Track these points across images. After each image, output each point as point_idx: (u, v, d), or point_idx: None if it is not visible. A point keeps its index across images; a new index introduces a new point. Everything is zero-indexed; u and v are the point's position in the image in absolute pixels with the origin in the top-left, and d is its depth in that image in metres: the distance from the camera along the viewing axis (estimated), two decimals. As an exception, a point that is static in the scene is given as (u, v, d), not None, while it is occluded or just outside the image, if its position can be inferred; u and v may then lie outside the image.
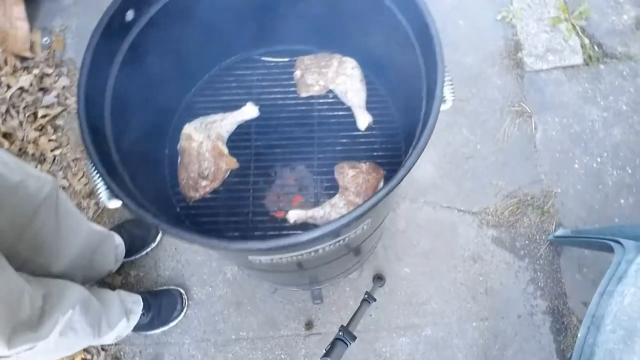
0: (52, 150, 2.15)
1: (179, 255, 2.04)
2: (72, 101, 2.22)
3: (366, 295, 1.73)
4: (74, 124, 2.21)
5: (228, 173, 1.39)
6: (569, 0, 2.30)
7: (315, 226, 1.34)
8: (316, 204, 1.40)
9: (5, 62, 2.21)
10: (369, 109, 1.42)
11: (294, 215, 1.33)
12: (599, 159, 2.08)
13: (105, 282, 1.99)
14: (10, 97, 2.15)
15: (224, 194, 1.40)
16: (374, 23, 1.27)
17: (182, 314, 1.97)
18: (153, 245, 2.05)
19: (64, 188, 2.12)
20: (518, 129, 2.14)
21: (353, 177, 1.33)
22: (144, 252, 2.05)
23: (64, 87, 2.24)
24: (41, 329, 1.27)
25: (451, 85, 1.10)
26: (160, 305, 1.92)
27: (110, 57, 1.13)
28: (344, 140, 1.42)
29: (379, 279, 1.95)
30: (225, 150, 1.39)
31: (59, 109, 2.21)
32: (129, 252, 1.98)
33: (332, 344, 1.49)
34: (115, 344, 1.94)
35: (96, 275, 1.82)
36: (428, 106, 1.01)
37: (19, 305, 1.20)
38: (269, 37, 1.49)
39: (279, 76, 1.48)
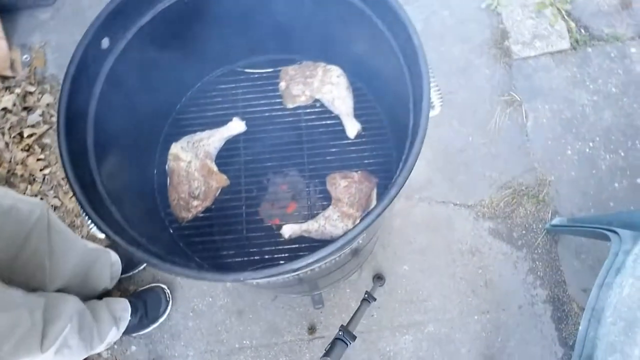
0: (41, 170, 2.13)
1: (176, 268, 2.03)
2: (57, 118, 2.19)
3: (366, 295, 1.73)
4: (61, 142, 2.18)
5: (219, 191, 1.38)
6: (553, -16, 2.27)
7: (310, 239, 1.34)
8: (310, 216, 1.39)
9: (-14, 83, 2.18)
10: (357, 116, 1.40)
11: (289, 230, 1.32)
12: (591, 144, 2.08)
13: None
14: (-6, 119, 2.12)
15: (217, 212, 1.39)
16: (356, 31, 1.24)
17: (169, 308, 1.98)
18: (150, 259, 2.04)
19: (55, 207, 2.10)
20: (509, 118, 2.12)
21: (345, 187, 1.32)
22: (141, 267, 2.04)
23: (48, 105, 2.20)
24: (44, 342, 1.29)
25: (437, 90, 1.09)
26: (146, 304, 1.94)
27: (89, 86, 1.11)
28: (334, 150, 1.40)
29: (378, 278, 1.95)
30: (215, 168, 1.37)
31: (45, 127, 2.18)
32: (126, 267, 1.98)
33: (332, 344, 1.49)
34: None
35: (91, 293, 1.81)
36: (415, 121, 1.00)
37: (19, 317, 1.21)
38: (250, 49, 1.47)
39: (263, 88, 1.46)
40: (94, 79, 1.12)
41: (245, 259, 1.34)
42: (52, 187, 2.12)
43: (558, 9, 2.22)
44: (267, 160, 1.42)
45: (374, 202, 1.34)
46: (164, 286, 1.98)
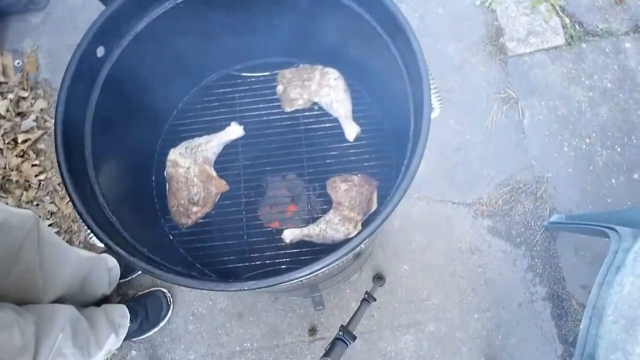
0: (36, 176, 2.11)
1: (175, 272, 2.02)
2: (51, 123, 2.17)
3: (366, 295, 1.73)
4: (56, 147, 2.16)
5: (219, 196, 1.37)
6: (547, -20, 2.27)
7: (311, 243, 1.33)
8: (310, 219, 1.39)
9: (-21, 89, 2.16)
10: (356, 118, 1.39)
11: (290, 235, 1.31)
12: (587, 140, 2.08)
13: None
14: (-12, 126, 2.10)
15: (217, 217, 1.38)
16: (353, 35, 1.24)
17: (169, 312, 1.97)
18: (149, 263, 2.02)
19: (52, 213, 2.08)
20: (505, 115, 2.12)
21: (346, 190, 1.31)
22: (140, 271, 2.02)
23: (41, 110, 2.18)
24: (38, 357, 1.27)
25: (436, 91, 1.08)
26: (146, 309, 1.92)
27: (85, 95, 1.10)
28: (334, 153, 1.39)
29: (378, 278, 1.95)
30: (214, 174, 1.36)
31: (39, 132, 2.16)
32: (125, 272, 1.97)
33: (332, 344, 1.49)
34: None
35: (89, 300, 1.80)
36: (416, 125, 0.99)
37: (10, 338, 1.19)
38: (246, 52, 1.46)
39: (261, 91, 1.45)
40: (90, 88, 1.11)
41: (247, 264, 1.34)
42: (47, 192, 2.10)
43: (552, 4, 2.22)
44: (266, 165, 1.41)
45: (374, 205, 1.33)
46: (164, 290, 1.97)
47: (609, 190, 2.02)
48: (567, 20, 2.20)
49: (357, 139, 1.39)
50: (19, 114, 2.17)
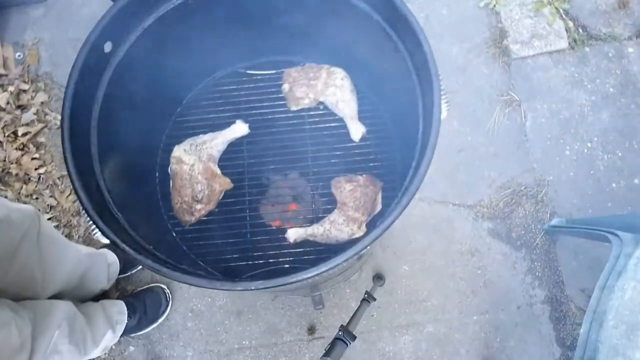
0: (36, 169, 2.09)
1: (175, 268, 2.01)
2: (52, 117, 2.16)
3: (366, 295, 1.73)
4: (56, 140, 2.15)
5: (222, 194, 1.37)
6: (552, -17, 2.27)
7: (315, 243, 1.33)
8: (314, 219, 1.39)
9: (-21, 81, 2.14)
10: (361, 119, 1.39)
11: (294, 234, 1.31)
12: (589, 144, 2.08)
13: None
14: (-12, 118, 2.08)
15: (220, 215, 1.38)
16: (361, 35, 1.24)
17: (168, 309, 1.97)
18: (148, 259, 2.02)
19: (51, 207, 2.07)
20: (508, 118, 2.12)
21: (351, 191, 1.31)
22: (140, 267, 2.02)
23: (42, 103, 2.17)
24: (35, 355, 1.26)
25: (444, 94, 1.08)
26: (145, 305, 1.91)
27: (92, 91, 1.10)
28: (339, 153, 1.39)
29: (378, 278, 1.94)
30: (218, 171, 1.36)
31: (40, 125, 2.14)
32: (125, 268, 1.96)
33: (332, 344, 1.49)
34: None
35: (87, 295, 1.79)
36: (425, 127, 0.99)
37: (7, 336, 1.18)
38: (253, 50, 1.45)
39: (266, 90, 1.45)
40: (97, 83, 1.10)
41: (250, 262, 1.34)
42: (47, 186, 2.09)
43: (556, 8, 2.22)
44: (271, 163, 1.41)
45: (379, 206, 1.33)
46: (163, 286, 1.96)
47: (610, 195, 2.02)
48: (570, 23, 2.21)
49: (362, 139, 1.39)
50: (19, 106, 2.15)
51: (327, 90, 1.38)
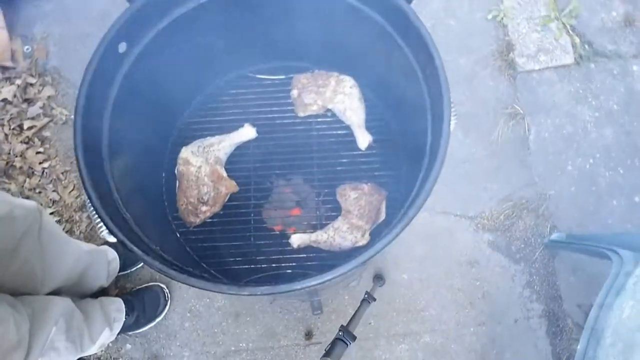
0: (40, 163, 2.10)
1: (175, 268, 2.02)
2: (58, 111, 2.16)
3: (366, 295, 1.73)
4: (61, 135, 2.15)
5: (228, 197, 1.37)
6: (560, -1, 2.29)
7: (318, 249, 1.34)
8: (318, 226, 1.39)
9: (-14, 73, 2.15)
10: (368, 127, 1.40)
11: (298, 240, 1.32)
12: (591, 160, 2.10)
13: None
14: (-6, 110, 2.09)
15: (225, 217, 1.38)
16: (373, 44, 1.25)
17: (167, 308, 1.97)
18: (149, 257, 2.02)
19: (54, 202, 2.07)
20: (511, 131, 2.14)
21: (355, 199, 1.32)
22: (139, 265, 2.02)
23: (49, 97, 2.17)
24: (29, 354, 1.26)
25: (453, 107, 1.09)
26: (144, 303, 1.92)
27: (105, 90, 1.10)
28: (344, 160, 1.40)
29: (378, 278, 1.95)
30: (225, 174, 1.37)
31: (45, 120, 2.15)
32: (125, 265, 1.96)
33: (332, 344, 1.49)
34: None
35: (86, 292, 1.79)
36: (434, 140, 1.00)
37: (5, 332, 1.18)
38: (263, 54, 1.46)
39: (275, 94, 1.45)
40: (110, 83, 1.11)
41: (252, 266, 1.34)
42: (50, 180, 2.09)
43: (563, 23, 2.24)
44: (277, 168, 1.42)
45: (383, 215, 1.34)
46: (163, 285, 1.96)
47: (610, 212, 2.04)
48: (577, 39, 2.22)
49: (368, 147, 1.40)
50: (25, 100, 2.15)
51: (335, 97, 1.39)
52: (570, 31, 2.25)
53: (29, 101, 2.16)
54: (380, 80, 1.37)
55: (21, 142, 2.10)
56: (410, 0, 1.07)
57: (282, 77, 1.47)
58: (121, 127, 1.14)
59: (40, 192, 2.08)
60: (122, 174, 1.13)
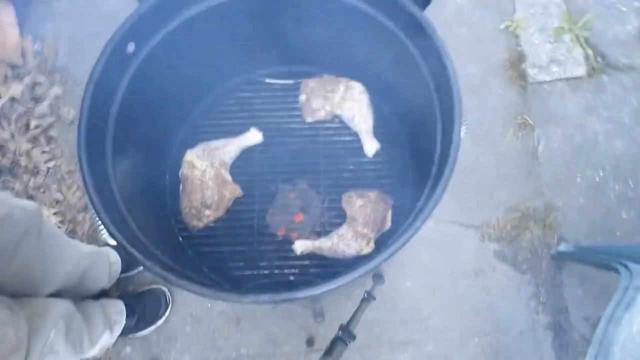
0: (45, 163, 2.09)
1: (177, 270, 2.00)
2: (64, 111, 2.16)
3: (366, 294, 1.71)
4: (67, 135, 2.15)
5: (232, 201, 1.36)
6: (573, 10, 2.26)
7: (321, 256, 1.32)
8: (323, 232, 1.38)
9: (-4, 70, 2.14)
10: (376, 134, 1.39)
11: (301, 246, 1.30)
12: (601, 172, 2.07)
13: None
14: (2, 108, 2.08)
15: (228, 222, 1.37)
16: (384, 52, 1.23)
17: (167, 311, 1.95)
18: (151, 260, 2.00)
19: (58, 201, 2.06)
20: (521, 141, 2.11)
21: (361, 207, 1.30)
22: (141, 267, 2.01)
23: (56, 97, 2.17)
24: (30, 354, 1.24)
25: (464, 119, 1.07)
26: (145, 306, 1.89)
27: (112, 90, 1.09)
28: (351, 167, 1.39)
29: (378, 277, 1.92)
30: (229, 178, 1.36)
31: (52, 119, 2.14)
32: (127, 267, 1.94)
33: (332, 344, 1.48)
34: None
35: (87, 293, 1.77)
36: (444, 149, 0.98)
37: (4, 335, 1.16)
38: (272, 58, 1.45)
39: (283, 99, 1.44)
40: (117, 83, 1.10)
41: (254, 272, 1.33)
42: (55, 180, 2.08)
43: (576, 35, 2.22)
44: (282, 173, 1.41)
45: (388, 224, 1.32)
46: (164, 289, 1.95)
47: (619, 224, 2.01)
48: (590, 51, 2.20)
49: (375, 155, 1.38)
50: (33, 98, 2.15)
51: (344, 103, 1.38)
52: (583, 43, 2.23)
53: (37, 100, 2.16)
54: (390, 87, 1.36)
55: (27, 141, 2.10)
56: (423, 7, 1.05)
57: (291, 81, 1.46)
58: (126, 128, 1.13)
59: (44, 192, 2.07)
60: (125, 175, 1.12)
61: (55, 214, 2.03)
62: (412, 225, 0.90)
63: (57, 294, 1.50)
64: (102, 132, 1.08)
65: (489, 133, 2.12)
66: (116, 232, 0.91)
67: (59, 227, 2.02)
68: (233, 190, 1.34)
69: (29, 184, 2.05)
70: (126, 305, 1.83)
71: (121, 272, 1.92)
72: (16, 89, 2.12)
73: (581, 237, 2.01)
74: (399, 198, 1.34)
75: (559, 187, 2.06)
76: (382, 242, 1.27)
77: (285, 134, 1.41)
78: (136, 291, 1.96)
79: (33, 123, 2.11)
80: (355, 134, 1.39)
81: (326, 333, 1.93)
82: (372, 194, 1.32)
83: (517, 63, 2.19)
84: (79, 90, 2.19)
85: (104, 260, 1.80)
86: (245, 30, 1.30)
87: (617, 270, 1.52)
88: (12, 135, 2.08)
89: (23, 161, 2.06)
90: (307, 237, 1.35)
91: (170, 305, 1.96)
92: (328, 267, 1.31)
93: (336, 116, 1.40)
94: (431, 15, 1.03)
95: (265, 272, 1.32)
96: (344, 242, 1.28)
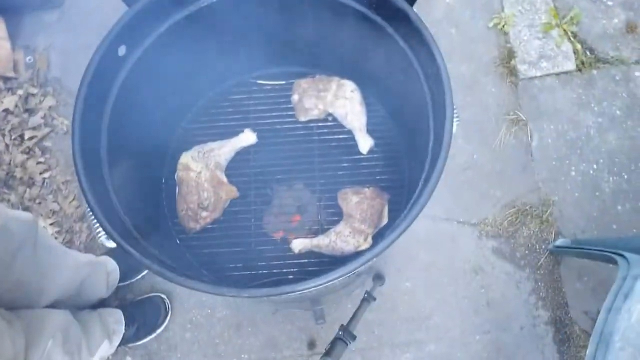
0: (41, 173, 2.09)
1: (176, 277, 1.99)
2: (59, 121, 2.16)
3: (366, 295, 1.71)
4: (62, 145, 2.15)
5: (228, 202, 1.36)
6: (560, 5, 2.28)
7: (320, 254, 1.32)
8: (320, 231, 1.38)
9: (-12, 84, 2.15)
10: (369, 131, 1.39)
11: (299, 245, 1.30)
12: (595, 166, 2.08)
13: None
14: (-5, 120, 2.09)
15: (225, 223, 1.37)
16: (374, 47, 1.24)
17: (167, 319, 1.94)
18: (149, 268, 2.00)
19: (54, 212, 2.06)
20: (514, 137, 2.12)
21: (357, 203, 1.30)
22: (139, 276, 2.00)
23: (50, 108, 2.17)
24: None
25: (455, 108, 1.08)
26: (145, 314, 1.89)
27: (104, 93, 1.09)
28: (346, 165, 1.39)
29: (378, 278, 1.91)
30: (225, 179, 1.36)
31: (46, 130, 2.14)
32: (125, 276, 1.94)
33: (332, 344, 1.47)
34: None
35: (85, 303, 1.76)
36: (436, 143, 0.99)
37: (1, 347, 1.15)
38: (264, 60, 1.46)
39: (276, 100, 1.45)
40: (110, 86, 1.10)
41: (253, 272, 1.32)
42: (51, 191, 2.08)
43: (564, 30, 2.24)
44: (278, 173, 1.41)
45: (385, 219, 1.32)
46: (163, 296, 1.94)
47: (615, 217, 2.02)
48: (578, 46, 2.22)
49: (370, 152, 1.39)
50: (27, 110, 2.15)
51: (336, 102, 1.38)
52: (571, 38, 2.25)
53: (30, 111, 2.16)
54: (381, 83, 1.36)
55: (22, 152, 2.10)
56: (412, 2, 1.06)
57: (283, 82, 1.47)
58: (120, 131, 1.13)
59: (40, 203, 2.07)
60: (120, 179, 1.12)
61: (51, 224, 2.02)
62: (407, 217, 0.90)
63: (55, 305, 1.49)
64: (97, 136, 1.08)
65: (483, 130, 2.14)
66: (113, 232, 0.90)
67: (55, 237, 2.01)
68: (229, 191, 1.34)
69: (24, 195, 2.05)
70: (125, 314, 1.82)
71: (119, 281, 1.92)
72: (9, 101, 2.12)
73: (578, 231, 2.01)
74: (396, 193, 1.35)
75: (554, 182, 2.07)
76: (380, 237, 1.27)
77: (280, 134, 1.41)
78: (135, 300, 1.95)
79: (27, 134, 2.11)
80: (349, 132, 1.39)
81: (327, 335, 1.93)
82: (368, 190, 1.32)
83: (507, 60, 2.20)
84: (72, 101, 2.18)
85: (101, 269, 1.79)
86: (235, 33, 1.31)
87: (614, 261, 1.52)
88: (7, 147, 2.08)
89: (18, 173, 2.06)
90: (305, 236, 1.34)
91: (170, 312, 1.95)
92: (326, 265, 1.31)
93: (329, 115, 1.41)
94: (421, 16, 1.04)
95: (264, 271, 1.32)
96: (341, 238, 1.28)
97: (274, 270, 1.32)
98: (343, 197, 1.32)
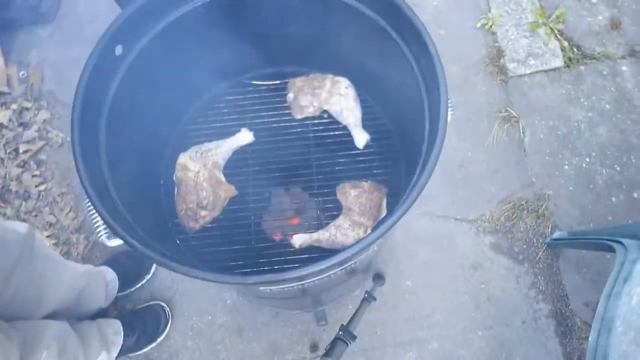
0: (36, 186, 2.09)
1: (175, 285, 1.99)
2: (53, 134, 2.17)
3: (366, 295, 1.71)
4: (57, 158, 2.15)
5: (227, 201, 1.36)
6: (545, 4, 2.33)
7: (320, 249, 1.32)
8: (319, 226, 1.38)
9: (-18, 99, 2.16)
10: (365, 126, 1.41)
11: (299, 240, 1.31)
12: (587, 159, 2.11)
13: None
14: (-10, 135, 2.09)
15: (225, 222, 1.37)
16: (367, 41, 1.26)
17: (168, 327, 1.93)
18: (148, 277, 1.99)
19: (50, 224, 2.05)
20: (506, 134, 2.15)
21: (356, 196, 1.31)
22: (139, 285, 1.99)
23: (44, 121, 2.18)
24: None
25: (450, 104, 1.10)
26: (145, 323, 1.88)
27: (102, 93, 1.10)
28: (343, 160, 1.40)
29: (378, 277, 1.92)
30: (223, 178, 1.36)
31: (41, 143, 2.15)
32: (124, 285, 1.93)
33: (332, 344, 1.47)
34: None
35: (84, 314, 1.74)
36: (431, 136, 1.00)
37: None
38: (258, 60, 1.47)
39: (271, 99, 1.46)
40: (107, 86, 1.11)
41: (254, 269, 1.32)
42: (47, 203, 2.08)
43: (551, 28, 2.28)
44: (275, 171, 1.41)
45: (384, 212, 1.33)
46: (163, 304, 1.93)
47: (610, 209, 2.04)
48: (565, 43, 2.26)
49: (366, 146, 1.40)
50: (21, 124, 2.16)
51: (331, 98, 1.40)
52: (558, 35, 2.30)
53: (25, 125, 2.17)
54: (375, 78, 1.38)
55: (17, 165, 2.10)
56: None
57: (278, 82, 1.48)
58: (118, 132, 1.14)
59: (36, 215, 2.06)
60: (120, 180, 1.12)
61: (48, 236, 2.02)
62: (409, 198, 0.91)
63: (53, 315, 1.48)
64: (95, 135, 1.08)
65: (475, 128, 2.16)
66: (114, 224, 0.91)
67: (53, 249, 2.00)
68: (227, 190, 1.34)
69: (20, 208, 2.04)
70: (125, 323, 1.80)
71: (118, 291, 1.91)
72: (3, 116, 2.13)
73: (574, 224, 2.03)
74: (393, 187, 1.36)
75: (548, 177, 2.10)
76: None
77: (276, 132, 1.42)
78: (135, 309, 1.94)
79: (22, 148, 2.11)
80: (345, 128, 1.41)
81: (330, 337, 1.90)
82: (366, 184, 1.33)
83: (496, 59, 2.24)
84: (66, 114, 2.21)
85: (100, 279, 1.78)
86: (230, 34, 1.32)
87: (612, 249, 1.53)
88: (2, 161, 2.08)
89: (14, 186, 2.06)
90: (305, 231, 1.35)
91: (170, 320, 1.94)
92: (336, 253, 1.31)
93: (325, 112, 1.42)
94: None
95: (266, 268, 1.32)
96: (341, 232, 1.28)
97: (276, 267, 1.32)
98: (342, 192, 1.33)
